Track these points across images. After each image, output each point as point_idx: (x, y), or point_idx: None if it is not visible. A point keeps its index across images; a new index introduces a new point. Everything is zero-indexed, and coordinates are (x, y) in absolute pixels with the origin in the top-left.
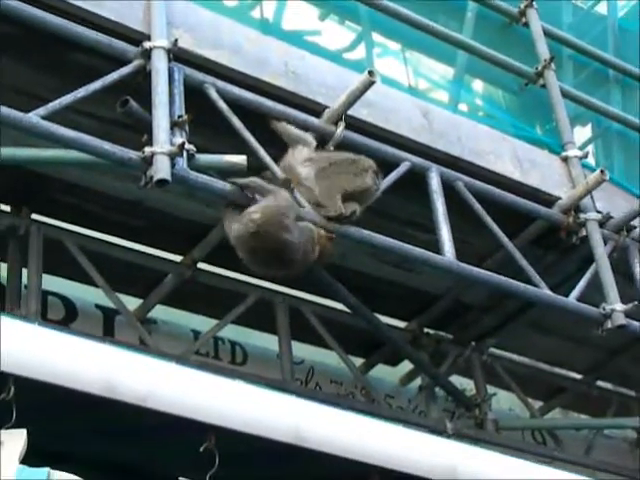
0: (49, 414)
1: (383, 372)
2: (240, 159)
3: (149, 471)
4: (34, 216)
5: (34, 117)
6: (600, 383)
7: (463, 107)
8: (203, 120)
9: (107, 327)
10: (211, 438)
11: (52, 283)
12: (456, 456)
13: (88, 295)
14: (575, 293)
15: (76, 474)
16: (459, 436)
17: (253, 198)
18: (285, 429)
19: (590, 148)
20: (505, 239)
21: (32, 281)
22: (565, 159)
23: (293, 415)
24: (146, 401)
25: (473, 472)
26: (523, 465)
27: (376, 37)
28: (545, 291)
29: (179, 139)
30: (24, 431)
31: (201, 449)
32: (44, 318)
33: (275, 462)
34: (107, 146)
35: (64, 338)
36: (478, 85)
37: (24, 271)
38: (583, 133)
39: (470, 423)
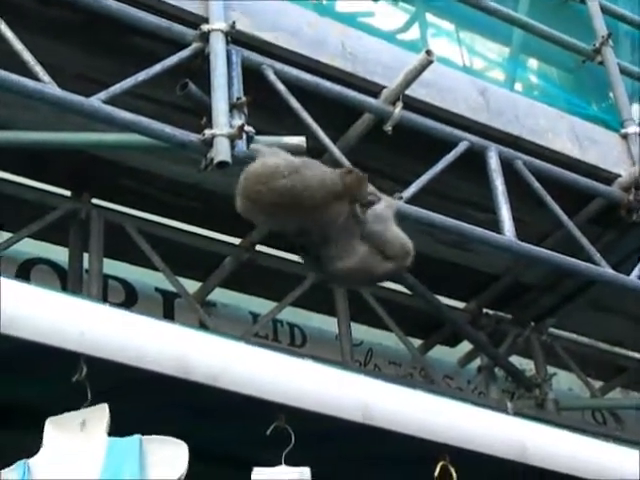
0: (121, 394)
1: (442, 353)
2: (299, 140)
3: (221, 452)
4: (94, 201)
5: (95, 101)
6: None
7: (518, 86)
8: (261, 102)
9: (167, 310)
10: (281, 417)
11: (113, 267)
12: (525, 434)
13: (148, 278)
14: (636, 271)
15: None
16: (520, 416)
17: None
18: (354, 408)
19: None
20: (565, 217)
21: (93, 265)
22: (624, 136)
23: (362, 393)
24: (217, 380)
25: (542, 450)
26: (592, 443)
27: (430, 17)
28: (606, 269)
29: (238, 121)
30: (106, 405)
31: (270, 429)
32: (105, 302)
33: (344, 442)
34: (167, 129)
35: (134, 318)
36: (533, 63)
37: (85, 256)
38: None
39: (530, 403)
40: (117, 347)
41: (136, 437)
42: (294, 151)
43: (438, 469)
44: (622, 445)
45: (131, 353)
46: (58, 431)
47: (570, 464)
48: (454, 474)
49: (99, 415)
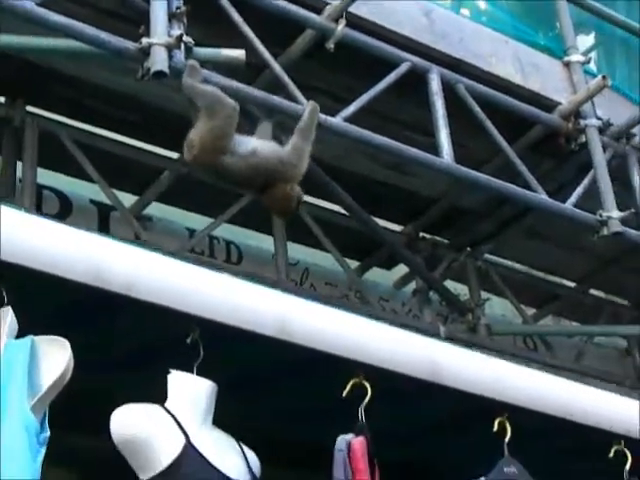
0: (31, 298)
1: (378, 275)
2: (239, 53)
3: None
4: (29, 108)
5: (28, 3)
6: (593, 291)
7: (466, 12)
8: (202, 14)
9: (102, 223)
10: (195, 330)
11: (47, 177)
12: (438, 353)
13: (83, 190)
14: (572, 199)
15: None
16: (452, 340)
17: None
18: (271, 322)
19: (593, 56)
20: (504, 143)
21: (27, 174)
22: (567, 64)
23: (279, 308)
24: (131, 290)
25: (454, 369)
26: (501, 364)
27: None
28: (543, 196)
29: (177, 31)
30: (8, 308)
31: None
32: (39, 212)
33: (262, 354)
34: (103, 35)
35: (49, 224)
36: None
37: (19, 164)
38: (586, 42)
39: (463, 328)
40: (31, 253)
41: (28, 338)
42: (233, 63)
43: (350, 386)
44: (549, 371)
45: (45, 259)
46: None
47: (482, 386)
48: (369, 390)
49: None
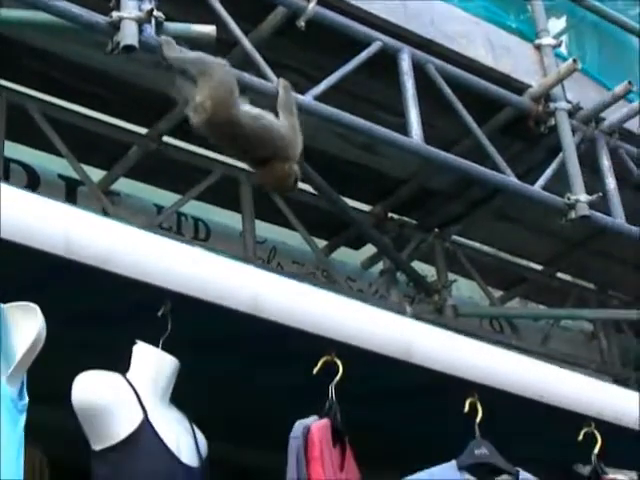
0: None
1: (346, 255)
2: (210, 29)
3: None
4: None
5: None
6: (560, 275)
7: None
8: None
9: (70, 197)
10: (167, 303)
11: (15, 151)
12: (412, 333)
13: (51, 164)
14: (540, 182)
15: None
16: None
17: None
18: (244, 298)
19: (564, 39)
20: (474, 125)
21: None
22: (538, 47)
23: (253, 284)
24: (106, 263)
25: (427, 349)
26: (481, 346)
27: None
28: (511, 178)
29: (147, 5)
30: None
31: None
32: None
33: (233, 337)
34: (74, 8)
35: (19, 194)
36: None
37: None
38: (557, 25)
39: (430, 308)
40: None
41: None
42: (203, 39)
43: (320, 363)
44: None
45: (13, 229)
46: None
47: (454, 365)
48: (340, 368)
49: None
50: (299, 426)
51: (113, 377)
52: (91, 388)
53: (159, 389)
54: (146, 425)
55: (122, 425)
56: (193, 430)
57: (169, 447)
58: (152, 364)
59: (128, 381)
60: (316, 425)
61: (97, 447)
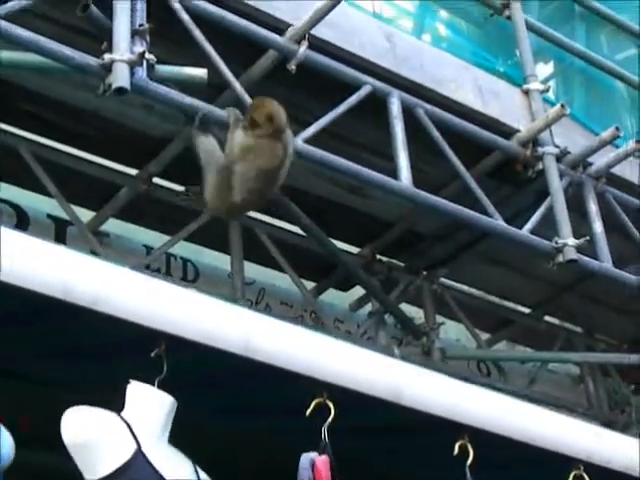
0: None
1: (334, 297)
2: (201, 72)
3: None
4: None
5: None
6: (547, 318)
7: (427, 37)
8: (165, 32)
9: (59, 238)
10: (161, 345)
11: (4, 190)
12: (403, 377)
13: (41, 204)
14: (528, 226)
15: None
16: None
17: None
18: (236, 340)
19: (551, 84)
20: (462, 168)
21: None
22: (526, 92)
23: (245, 326)
24: (97, 304)
25: (419, 392)
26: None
27: None
28: (499, 222)
29: (139, 48)
30: None
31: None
32: None
33: (225, 376)
34: (66, 50)
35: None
36: (443, 15)
37: None
38: (545, 70)
39: (417, 351)
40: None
41: None
42: (195, 82)
43: (313, 405)
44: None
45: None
46: None
47: (446, 408)
48: (332, 410)
49: None
50: (305, 459)
51: (105, 413)
52: (81, 423)
53: (156, 426)
54: (139, 455)
55: (114, 456)
56: (197, 471)
57: (165, 477)
58: (147, 402)
59: (122, 417)
60: (320, 459)
61: (89, 478)
